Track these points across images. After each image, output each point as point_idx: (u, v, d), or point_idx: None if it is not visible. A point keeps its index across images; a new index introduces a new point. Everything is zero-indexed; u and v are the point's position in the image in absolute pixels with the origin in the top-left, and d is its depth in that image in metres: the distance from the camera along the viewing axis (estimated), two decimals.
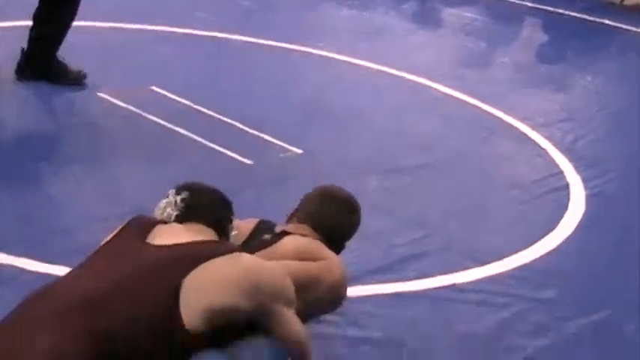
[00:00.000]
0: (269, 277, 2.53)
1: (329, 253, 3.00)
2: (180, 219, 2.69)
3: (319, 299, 2.90)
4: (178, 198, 2.74)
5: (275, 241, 2.95)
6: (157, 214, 2.73)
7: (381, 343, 3.17)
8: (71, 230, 3.68)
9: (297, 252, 2.92)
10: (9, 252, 3.38)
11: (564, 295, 3.65)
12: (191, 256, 2.45)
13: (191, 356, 2.38)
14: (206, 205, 2.75)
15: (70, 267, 3.27)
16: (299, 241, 3.00)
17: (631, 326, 3.49)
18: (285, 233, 3.02)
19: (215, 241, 2.61)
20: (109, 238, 2.62)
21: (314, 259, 2.93)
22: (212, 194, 2.82)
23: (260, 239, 2.95)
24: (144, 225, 2.64)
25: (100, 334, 2.23)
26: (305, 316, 2.68)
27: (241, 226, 2.97)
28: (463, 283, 3.64)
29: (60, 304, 2.30)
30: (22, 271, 3.31)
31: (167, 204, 2.75)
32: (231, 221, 2.78)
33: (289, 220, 3.11)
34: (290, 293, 2.58)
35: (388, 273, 3.62)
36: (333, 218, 3.11)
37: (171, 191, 2.80)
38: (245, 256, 2.51)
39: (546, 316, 3.48)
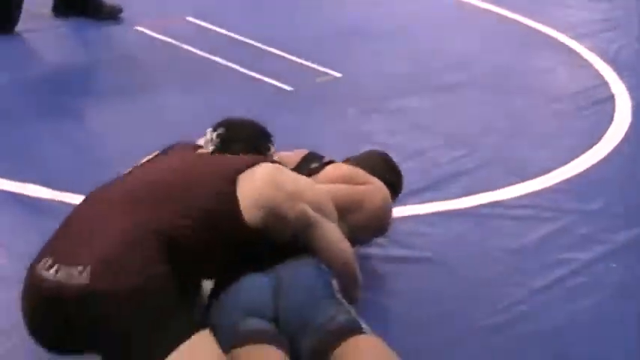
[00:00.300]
0: (311, 190, 2.62)
1: (374, 179, 3.00)
2: (217, 153, 2.74)
3: (363, 222, 2.90)
4: (214, 134, 2.80)
5: (321, 169, 2.95)
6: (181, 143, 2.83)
7: (426, 261, 3.17)
8: (112, 162, 3.68)
9: (342, 177, 2.93)
10: (52, 186, 3.41)
11: (611, 207, 3.62)
12: (243, 159, 2.60)
13: (244, 255, 2.46)
14: (242, 138, 2.80)
15: None
16: (345, 167, 3.02)
17: None
18: (332, 162, 3.03)
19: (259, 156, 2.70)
20: (154, 153, 2.71)
21: (357, 184, 2.93)
22: (248, 127, 2.87)
23: (307, 167, 2.95)
24: (190, 145, 2.77)
25: (165, 223, 2.31)
26: (351, 241, 2.68)
27: (290, 157, 3.00)
28: (508, 199, 3.62)
29: (130, 193, 2.40)
30: (67, 205, 3.32)
31: (205, 142, 2.81)
32: (269, 149, 2.82)
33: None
34: (330, 207, 2.63)
35: (431, 192, 3.61)
36: (379, 166, 3.13)
37: (208, 129, 2.84)
38: (287, 169, 2.64)
39: (593, 229, 3.45)
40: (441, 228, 3.38)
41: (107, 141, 3.93)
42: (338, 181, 2.86)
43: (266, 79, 4.54)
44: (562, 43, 5.37)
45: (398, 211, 3.34)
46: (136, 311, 2.17)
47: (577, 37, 5.42)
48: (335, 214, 2.65)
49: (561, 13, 5.91)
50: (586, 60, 5.14)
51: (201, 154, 2.70)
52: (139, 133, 3.93)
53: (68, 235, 2.33)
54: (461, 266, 3.16)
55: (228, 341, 2.30)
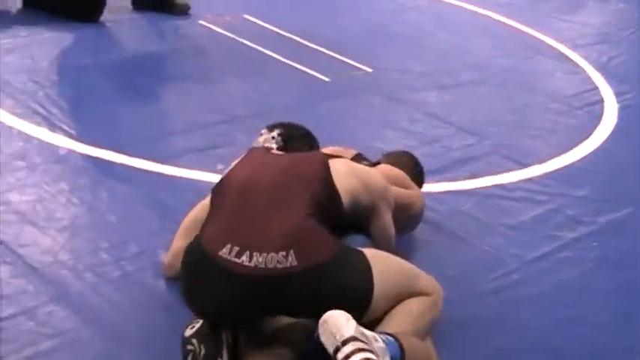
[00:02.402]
0: (379, 181, 2.64)
1: (414, 186, 2.99)
2: (281, 150, 2.70)
3: (406, 222, 2.90)
4: (275, 133, 2.75)
5: (374, 167, 2.93)
6: (256, 146, 2.72)
7: (435, 232, 3.16)
8: (177, 135, 3.70)
9: (394, 178, 2.91)
10: (125, 153, 3.42)
11: (596, 194, 3.58)
12: (320, 154, 2.61)
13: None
14: (299, 137, 2.78)
15: (175, 166, 3.36)
16: (392, 169, 2.99)
17: None
18: (379, 163, 3.02)
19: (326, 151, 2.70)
20: (235, 162, 2.56)
21: (404, 188, 2.92)
22: (300, 127, 2.85)
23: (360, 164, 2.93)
24: (261, 148, 2.66)
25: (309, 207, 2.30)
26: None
27: (343, 152, 2.98)
28: (508, 183, 3.58)
29: (270, 192, 2.32)
30: (136, 169, 3.34)
31: (265, 140, 2.75)
32: (319, 147, 2.82)
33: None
34: (391, 199, 2.66)
35: (444, 173, 3.58)
36: (408, 167, 3.11)
37: (264, 130, 2.80)
38: (358, 164, 2.66)
39: (579, 211, 3.42)
40: (450, 204, 3.36)
41: (173, 117, 3.93)
42: (390, 180, 2.82)
43: (307, 70, 4.52)
44: (561, 52, 5.30)
45: None
46: (335, 276, 2.20)
47: (574, 48, 5.36)
48: (393, 206, 2.67)
49: (562, 26, 5.84)
50: (580, 67, 5.07)
51: (282, 155, 2.60)
52: (198, 112, 3.94)
53: (240, 224, 2.26)
54: (465, 238, 3.14)
55: None
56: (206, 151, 3.54)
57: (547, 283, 2.93)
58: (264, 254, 2.18)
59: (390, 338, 2.14)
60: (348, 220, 2.47)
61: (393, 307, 2.32)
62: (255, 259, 2.18)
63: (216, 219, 2.32)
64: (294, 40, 4.94)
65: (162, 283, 2.68)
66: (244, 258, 2.18)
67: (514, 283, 2.90)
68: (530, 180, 3.63)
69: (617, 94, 4.67)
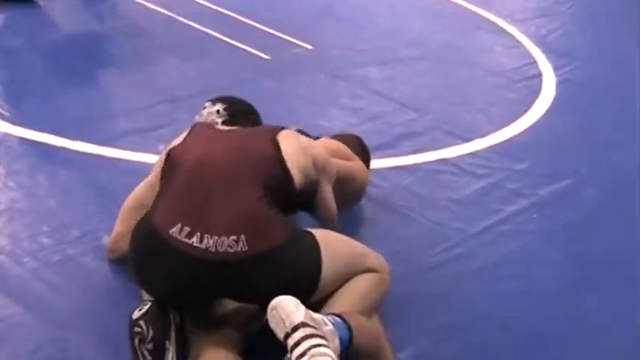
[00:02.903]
0: (321, 154, 2.60)
1: (356, 158, 2.98)
2: (226, 124, 2.68)
3: (349, 194, 2.90)
4: (220, 107, 2.74)
5: (316, 140, 2.90)
6: (200, 122, 2.69)
7: (379, 208, 3.16)
8: (117, 117, 3.65)
9: (336, 151, 2.90)
10: (64, 136, 3.36)
11: (536, 167, 3.61)
12: (268, 129, 2.54)
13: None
14: (244, 113, 2.78)
15: (116, 148, 3.32)
16: (334, 142, 2.99)
17: (589, 191, 3.46)
18: (319, 138, 2.99)
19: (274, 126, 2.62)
20: (179, 139, 2.50)
21: (346, 159, 2.91)
22: (244, 102, 2.83)
23: None
24: (205, 124, 2.62)
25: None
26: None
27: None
28: (451, 157, 3.60)
29: (223, 171, 2.30)
30: (76, 153, 3.29)
31: (209, 113, 2.74)
32: (261, 123, 2.80)
33: None
34: (333, 172, 2.64)
35: (387, 149, 3.59)
36: (355, 146, 3.10)
37: (207, 103, 2.78)
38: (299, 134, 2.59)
39: (520, 185, 3.45)
40: (394, 180, 3.36)
41: (112, 99, 3.88)
42: (332, 153, 2.80)
43: (247, 48, 4.48)
44: (500, 27, 5.33)
45: None
46: (285, 260, 2.20)
47: (513, 23, 5.39)
48: (334, 178, 2.65)
49: (501, 1, 5.88)
50: (519, 42, 5.11)
51: (231, 130, 2.58)
52: (140, 92, 3.89)
53: (192, 204, 2.23)
54: (409, 213, 3.15)
55: None
56: (148, 132, 3.49)
57: (490, 256, 2.96)
58: (215, 237, 2.16)
59: (338, 319, 2.14)
60: (299, 199, 2.46)
61: (341, 285, 2.32)
62: (205, 241, 2.16)
63: (166, 197, 2.29)
64: (233, 17, 4.89)
65: (104, 266, 2.65)
66: (195, 239, 2.17)
67: (457, 257, 2.93)
68: (471, 154, 3.65)
69: (556, 68, 4.71)
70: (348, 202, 2.96)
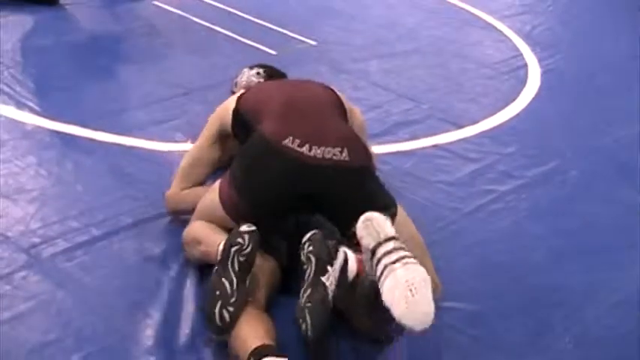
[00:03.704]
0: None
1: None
2: None
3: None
4: (261, 70, 2.93)
5: None
6: (240, 86, 2.87)
7: None
8: (136, 109, 3.65)
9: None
10: (88, 127, 3.37)
11: (523, 150, 3.63)
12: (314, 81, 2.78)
13: None
14: (278, 72, 3.01)
15: (135, 138, 3.33)
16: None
17: (573, 172, 3.48)
18: None
19: None
20: (232, 101, 2.66)
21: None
22: (277, 69, 3.06)
23: None
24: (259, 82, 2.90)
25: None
26: None
27: None
28: (445, 143, 3.61)
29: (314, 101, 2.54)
30: (99, 142, 3.29)
31: (249, 75, 2.90)
32: None
33: None
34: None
35: (386, 136, 3.60)
36: None
37: (244, 69, 2.95)
38: None
39: (509, 167, 3.46)
40: (394, 164, 3.38)
41: (131, 93, 3.87)
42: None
43: (255, 45, 4.48)
44: (489, 22, 5.33)
45: None
46: (373, 177, 2.41)
47: (500, 18, 5.39)
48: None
49: None
50: (507, 36, 5.11)
51: (287, 81, 2.90)
52: (156, 86, 3.88)
53: (297, 124, 2.37)
54: (407, 194, 3.15)
55: None
56: (164, 123, 3.50)
57: (482, 232, 2.98)
58: (323, 147, 2.31)
59: None
60: None
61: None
62: (314, 150, 2.30)
63: (269, 120, 2.40)
64: (241, 16, 4.89)
65: (129, 245, 2.67)
66: (304, 148, 2.30)
67: (452, 233, 2.95)
68: (464, 140, 3.66)
69: (540, 60, 4.72)
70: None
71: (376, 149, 3.31)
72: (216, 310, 2.15)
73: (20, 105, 3.52)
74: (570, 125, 3.94)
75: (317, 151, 2.30)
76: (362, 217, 2.11)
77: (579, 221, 3.11)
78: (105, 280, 2.50)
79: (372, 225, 2.09)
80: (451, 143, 3.61)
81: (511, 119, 3.93)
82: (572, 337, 2.48)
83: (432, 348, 2.36)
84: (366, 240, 2.07)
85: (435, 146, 3.57)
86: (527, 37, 5.08)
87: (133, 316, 2.35)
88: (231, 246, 2.20)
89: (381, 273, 2.02)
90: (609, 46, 5.07)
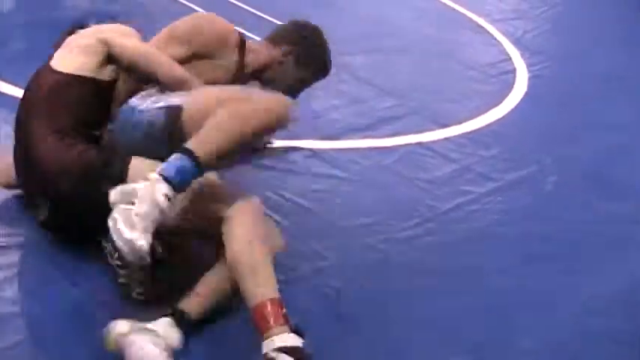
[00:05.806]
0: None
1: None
2: None
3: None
4: None
5: None
6: None
7: (359, 183, 3.26)
8: None
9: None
10: None
11: (503, 154, 3.73)
12: None
13: None
14: None
15: None
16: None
17: (551, 178, 3.60)
18: None
19: None
20: None
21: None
22: None
23: None
24: None
25: None
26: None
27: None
28: (426, 142, 3.70)
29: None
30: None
31: None
32: None
33: None
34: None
35: (368, 131, 3.67)
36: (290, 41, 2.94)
37: None
38: None
39: (488, 169, 3.56)
40: (375, 159, 3.46)
41: None
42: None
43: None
44: (479, 25, 5.44)
45: (342, 144, 3.43)
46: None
47: (492, 22, 5.50)
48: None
49: (482, 2, 5.97)
50: (497, 40, 5.21)
51: None
52: None
53: None
54: (386, 189, 3.25)
55: None
56: None
57: (458, 232, 3.08)
58: None
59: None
60: None
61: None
62: None
63: None
64: (230, 2, 4.92)
65: None
66: None
67: (428, 231, 3.03)
68: (446, 139, 3.75)
69: (529, 65, 4.83)
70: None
71: (358, 143, 3.43)
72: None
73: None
74: (552, 132, 4.05)
75: None
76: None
77: (552, 226, 3.22)
78: None
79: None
80: (434, 142, 3.70)
81: (495, 122, 4.03)
82: (537, 339, 2.57)
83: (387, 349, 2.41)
84: None
85: (416, 144, 3.65)
86: (517, 42, 5.19)
87: None
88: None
89: None
90: (599, 55, 5.19)
